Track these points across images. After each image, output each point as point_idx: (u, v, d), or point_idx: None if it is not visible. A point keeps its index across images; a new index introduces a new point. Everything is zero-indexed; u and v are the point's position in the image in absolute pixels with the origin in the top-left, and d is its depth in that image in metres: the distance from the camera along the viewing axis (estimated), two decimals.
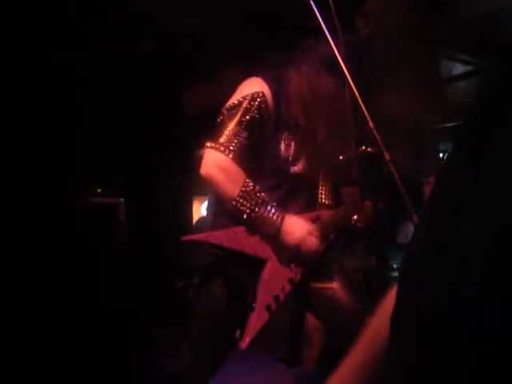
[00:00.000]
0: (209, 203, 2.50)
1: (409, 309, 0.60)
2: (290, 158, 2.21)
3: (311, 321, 3.52)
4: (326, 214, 2.29)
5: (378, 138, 1.76)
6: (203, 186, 3.16)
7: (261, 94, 2.14)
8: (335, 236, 2.30)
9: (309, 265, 2.15)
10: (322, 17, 1.90)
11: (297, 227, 2.11)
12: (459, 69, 5.09)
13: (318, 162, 2.34)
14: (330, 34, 1.88)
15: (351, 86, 1.80)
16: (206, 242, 2.11)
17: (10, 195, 3.73)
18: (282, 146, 2.19)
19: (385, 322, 0.80)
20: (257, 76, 2.22)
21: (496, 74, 0.57)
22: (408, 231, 4.83)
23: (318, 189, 2.38)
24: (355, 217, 2.29)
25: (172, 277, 4.84)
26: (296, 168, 2.25)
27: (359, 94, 1.78)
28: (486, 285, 0.47)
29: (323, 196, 2.38)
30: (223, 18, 4.08)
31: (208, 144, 2.10)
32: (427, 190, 4.12)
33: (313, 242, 2.11)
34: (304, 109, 2.18)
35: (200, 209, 5.99)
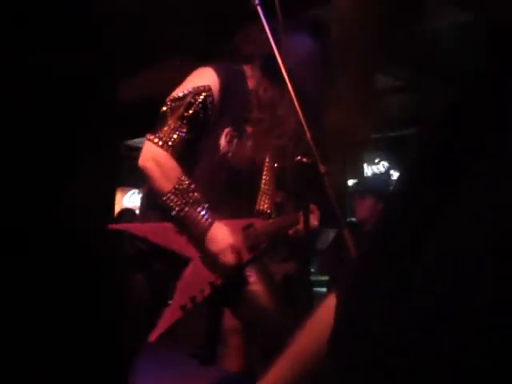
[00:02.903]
0: (142, 195, 2.45)
1: (360, 325, 0.60)
2: (230, 155, 2.19)
3: (228, 319, 3.51)
4: (260, 223, 2.27)
5: (314, 149, 1.77)
6: (128, 178, 3.09)
7: (207, 88, 2.09)
8: (265, 246, 2.29)
9: (225, 276, 2.13)
10: (267, 22, 1.88)
11: (221, 237, 2.09)
12: (390, 83, 5.27)
13: (262, 163, 2.34)
14: (273, 39, 1.87)
15: (291, 95, 1.80)
16: (131, 234, 2.09)
17: None
18: (223, 142, 2.16)
19: (316, 337, 0.80)
20: (208, 66, 2.17)
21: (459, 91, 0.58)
22: (328, 238, 4.91)
23: (258, 193, 2.35)
24: (290, 231, 2.31)
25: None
26: (236, 167, 2.21)
27: (299, 104, 1.79)
28: (454, 302, 0.48)
29: (262, 202, 2.35)
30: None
31: (148, 136, 2.07)
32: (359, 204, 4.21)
33: (231, 257, 2.09)
34: (258, 105, 2.18)
35: (122, 200, 5.89)
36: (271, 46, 1.87)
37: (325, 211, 2.12)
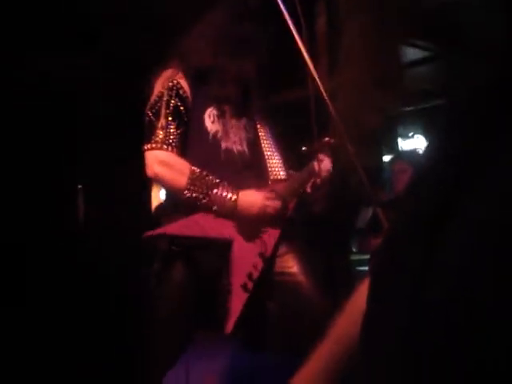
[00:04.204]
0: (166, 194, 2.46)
1: (386, 321, 0.59)
2: (220, 135, 2.20)
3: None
4: (279, 186, 2.28)
5: (341, 129, 1.75)
6: None
7: (175, 82, 2.17)
8: (295, 204, 2.28)
9: (280, 224, 2.14)
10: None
11: (252, 198, 2.13)
12: (418, 54, 5.16)
13: (256, 133, 2.36)
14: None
15: (314, 78, 1.78)
16: (168, 235, 2.08)
17: None
18: (208, 124, 2.19)
19: (354, 321, 0.79)
20: (167, 68, 2.25)
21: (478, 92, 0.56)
22: (367, 216, 4.88)
23: (266, 164, 2.36)
24: (313, 180, 2.29)
25: (134, 265, 4.78)
26: (230, 145, 2.24)
27: (323, 85, 1.76)
28: (460, 294, 0.47)
29: (275, 170, 2.36)
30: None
31: (145, 147, 2.12)
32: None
33: (274, 204, 2.12)
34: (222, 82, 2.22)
35: (159, 195, 5.93)
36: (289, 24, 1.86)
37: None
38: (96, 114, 4.79)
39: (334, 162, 2.29)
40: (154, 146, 2.10)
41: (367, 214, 4.87)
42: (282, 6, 1.87)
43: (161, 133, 2.09)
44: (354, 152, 1.75)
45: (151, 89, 2.20)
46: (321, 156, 2.32)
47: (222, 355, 3.60)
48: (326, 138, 2.11)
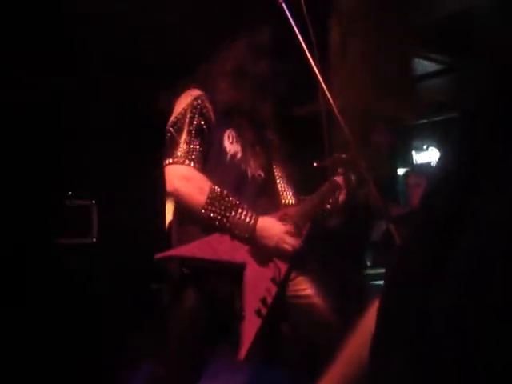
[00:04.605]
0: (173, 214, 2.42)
1: (397, 335, 0.58)
2: (239, 156, 2.20)
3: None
4: (292, 211, 2.25)
5: (353, 144, 1.74)
6: None
7: (199, 101, 2.16)
8: (309, 229, 2.27)
9: (291, 261, 2.13)
10: (294, 20, 1.88)
11: (272, 227, 2.09)
12: (432, 67, 5.16)
13: (270, 159, 2.37)
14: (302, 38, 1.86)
15: (325, 92, 1.78)
16: (180, 257, 2.04)
17: None
18: (227, 144, 2.19)
19: (365, 341, 0.78)
20: (190, 88, 2.24)
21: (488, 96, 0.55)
22: (381, 229, 4.85)
23: (278, 189, 2.36)
24: (326, 205, 2.29)
25: (146, 280, 4.79)
26: (246, 168, 2.23)
27: (333, 100, 1.76)
28: (471, 296, 0.46)
29: (286, 197, 2.36)
30: (196, 17, 4.04)
31: (166, 161, 2.08)
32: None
33: (291, 240, 2.09)
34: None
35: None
36: (300, 41, 1.86)
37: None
38: (110, 127, 4.83)
39: (345, 177, 2.28)
40: (175, 160, 2.05)
41: (381, 227, 4.84)
42: (292, 22, 1.87)
43: (183, 147, 2.06)
44: (366, 166, 1.75)
45: (171, 107, 2.20)
46: (340, 170, 2.31)
47: (238, 372, 3.60)
48: (338, 154, 2.10)
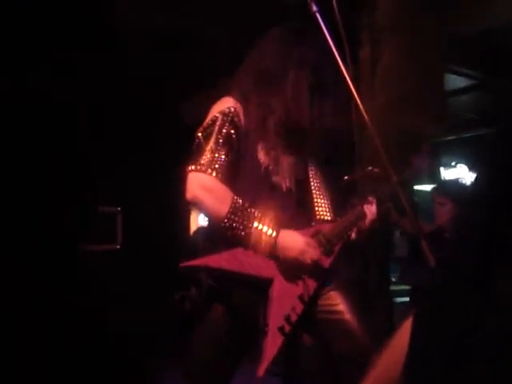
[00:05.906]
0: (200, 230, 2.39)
1: (433, 358, 0.56)
2: (271, 168, 2.16)
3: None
4: (326, 228, 2.21)
5: (385, 158, 1.71)
6: None
7: (232, 109, 2.12)
8: (341, 247, 2.23)
9: (318, 278, 2.09)
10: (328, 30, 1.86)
11: (291, 239, 2.05)
12: (461, 83, 5.10)
13: (306, 172, 2.33)
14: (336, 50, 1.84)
15: (358, 105, 1.76)
16: (206, 267, 2.01)
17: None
18: (262, 156, 2.15)
19: (395, 361, 0.76)
20: (226, 95, 2.21)
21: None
22: (404, 245, 4.80)
23: (313, 204, 2.31)
24: (359, 224, 2.26)
25: (169, 288, 4.78)
26: (281, 180, 2.19)
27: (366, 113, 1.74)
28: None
29: (321, 211, 2.31)
30: (221, 26, 4.05)
31: (189, 168, 2.04)
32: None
33: (311, 252, 2.06)
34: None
35: (198, 219, 5.95)
36: (333, 53, 1.84)
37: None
38: (137, 137, 4.87)
39: (376, 192, 2.26)
40: (198, 167, 2.02)
41: (403, 242, 4.79)
42: (326, 33, 1.85)
43: (208, 156, 2.03)
44: (398, 181, 1.72)
45: (204, 113, 2.18)
46: (370, 199, 2.29)
47: None
48: (369, 168, 2.06)
